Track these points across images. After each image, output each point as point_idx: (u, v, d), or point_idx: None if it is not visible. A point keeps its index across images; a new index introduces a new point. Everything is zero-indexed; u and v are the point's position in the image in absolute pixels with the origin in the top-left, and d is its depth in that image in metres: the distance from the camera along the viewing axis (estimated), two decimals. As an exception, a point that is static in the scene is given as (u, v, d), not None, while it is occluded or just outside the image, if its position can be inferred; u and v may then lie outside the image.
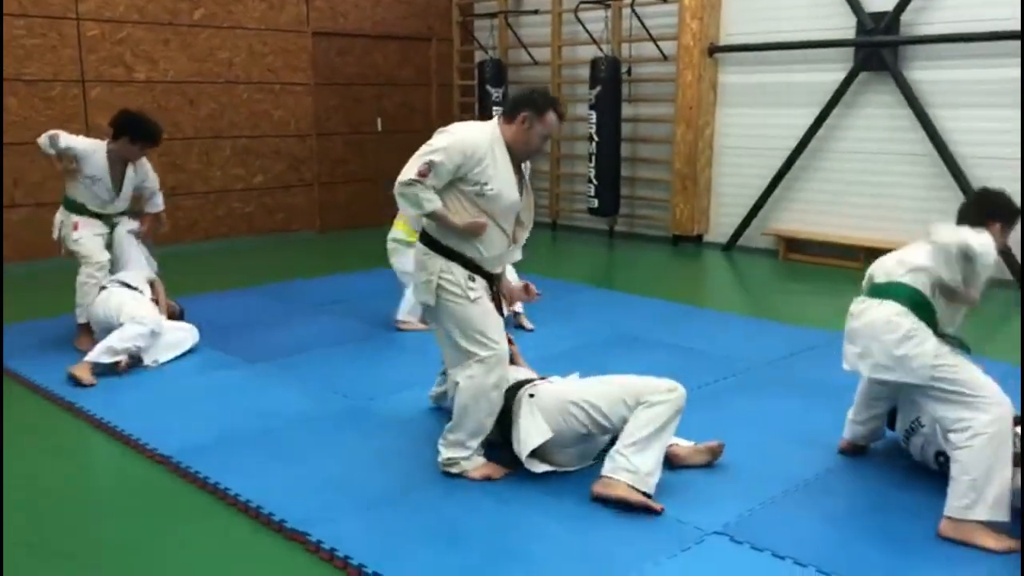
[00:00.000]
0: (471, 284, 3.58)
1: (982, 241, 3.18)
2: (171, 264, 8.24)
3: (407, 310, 5.88)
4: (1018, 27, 6.98)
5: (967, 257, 3.17)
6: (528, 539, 3.20)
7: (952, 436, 3.22)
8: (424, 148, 3.54)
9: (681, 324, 6.14)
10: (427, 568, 2.98)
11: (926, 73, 7.64)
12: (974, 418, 3.16)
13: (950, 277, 3.24)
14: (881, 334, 3.34)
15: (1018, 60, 7.04)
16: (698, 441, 3.81)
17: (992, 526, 3.11)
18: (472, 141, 3.53)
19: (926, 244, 3.37)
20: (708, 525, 3.25)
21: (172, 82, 8.90)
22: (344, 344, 5.60)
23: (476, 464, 3.65)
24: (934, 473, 3.55)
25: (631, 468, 3.36)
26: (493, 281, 3.73)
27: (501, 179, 3.56)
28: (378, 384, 4.81)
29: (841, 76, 8.08)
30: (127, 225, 5.70)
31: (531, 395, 3.66)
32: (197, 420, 4.29)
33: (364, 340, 5.71)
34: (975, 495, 3.10)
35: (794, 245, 8.60)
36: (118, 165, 5.49)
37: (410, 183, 3.49)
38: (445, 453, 3.67)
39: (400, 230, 5.89)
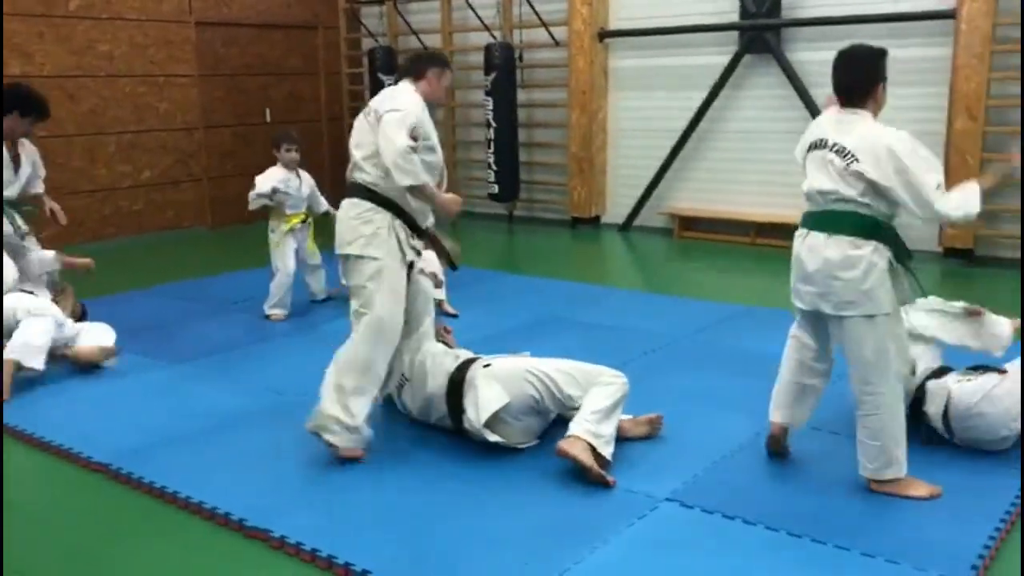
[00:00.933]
0: (411, 243, 3.78)
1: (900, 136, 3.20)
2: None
3: (272, 302, 6.02)
4: (895, 10, 7.44)
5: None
6: (487, 517, 3.27)
7: (863, 399, 3.31)
8: (392, 116, 3.63)
9: (592, 304, 6.31)
10: (393, 552, 3.02)
11: (807, 55, 8.04)
12: (883, 383, 3.25)
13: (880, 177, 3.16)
14: (841, 271, 3.23)
15: (898, 42, 7.48)
16: (636, 415, 3.96)
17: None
18: (418, 102, 3.77)
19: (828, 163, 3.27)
20: (658, 493, 3.40)
21: (50, 77, 8.48)
22: (266, 341, 5.53)
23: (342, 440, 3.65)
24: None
25: (595, 432, 3.52)
26: (422, 234, 3.90)
27: (434, 136, 3.85)
28: (309, 379, 4.74)
29: (727, 59, 8.42)
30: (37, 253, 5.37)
31: (486, 365, 3.80)
32: (128, 424, 4.18)
33: (284, 336, 5.65)
34: (885, 458, 3.29)
35: (688, 223, 8.92)
36: (7, 144, 5.16)
37: (409, 151, 3.61)
38: (321, 415, 3.65)
39: (274, 219, 6.14)
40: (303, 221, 6.18)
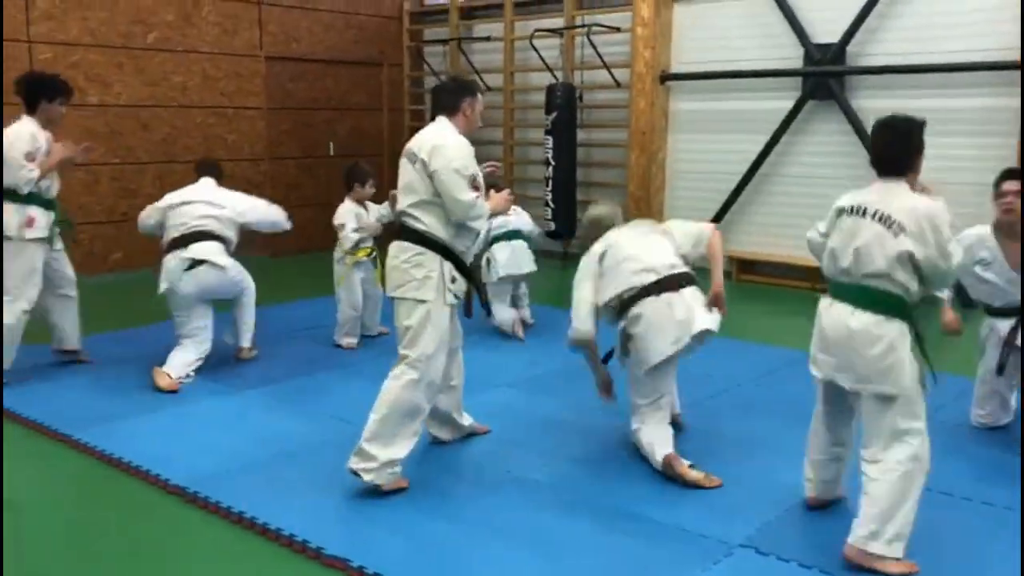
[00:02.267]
0: (450, 285, 3.81)
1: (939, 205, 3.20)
2: (131, 291, 8.15)
3: (342, 332, 6.16)
4: (956, 60, 7.42)
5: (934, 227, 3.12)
6: (561, 548, 3.29)
7: (867, 467, 3.23)
8: (452, 165, 3.69)
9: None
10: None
11: (872, 102, 8.02)
12: (897, 450, 3.19)
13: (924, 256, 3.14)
14: (862, 346, 3.21)
15: (960, 91, 7.47)
16: (703, 460, 3.95)
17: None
18: (464, 145, 3.82)
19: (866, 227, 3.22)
20: (732, 539, 3.39)
21: (126, 106, 8.77)
22: (331, 370, 5.62)
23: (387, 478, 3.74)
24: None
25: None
26: (469, 274, 3.95)
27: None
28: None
29: (790, 104, 8.44)
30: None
31: None
32: (203, 449, 4.27)
33: (350, 365, 5.74)
34: (876, 527, 3.15)
35: (747, 266, 8.90)
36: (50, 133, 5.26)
37: (475, 202, 3.72)
38: (367, 456, 3.72)
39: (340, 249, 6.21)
40: (369, 255, 6.28)
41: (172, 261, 5.34)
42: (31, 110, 5.20)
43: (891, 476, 3.17)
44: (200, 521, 3.61)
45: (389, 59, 11.05)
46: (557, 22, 9.76)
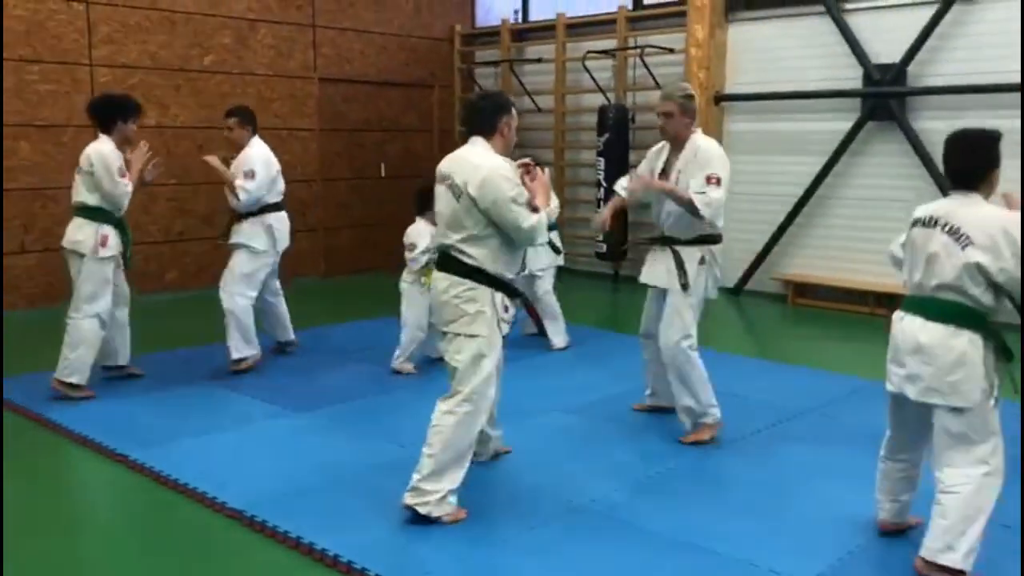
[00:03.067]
0: (504, 315, 3.75)
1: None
2: (182, 310, 8.22)
3: (404, 357, 6.00)
4: (1015, 81, 7.22)
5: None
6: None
7: (939, 481, 3.19)
8: (507, 195, 3.59)
9: (711, 369, 6.12)
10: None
11: (933, 123, 7.84)
12: (962, 468, 3.13)
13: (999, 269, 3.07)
14: (931, 357, 3.16)
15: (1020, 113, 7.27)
16: (767, 489, 3.83)
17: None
18: (508, 167, 3.72)
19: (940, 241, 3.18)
20: (804, 574, 3.27)
21: (182, 127, 8.88)
22: (386, 393, 5.58)
23: (445, 509, 3.68)
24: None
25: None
26: (516, 295, 3.89)
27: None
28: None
29: (848, 125, 8.28)
30: None
31: None
32: (260, 472, 4.24)
33: (403, 388, 5.69)
34: (950, 539, 3.11)
35: (803, 290, 8.73)
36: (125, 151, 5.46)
37: (536, 222, 3.65)
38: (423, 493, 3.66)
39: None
40: None
41: None
42: (107, 130, 5.32)
43: (964, 490, 3.13)
44: (258, 545, 3.57)
45: (440, 81, 11.08)
46: (610, 43, 9.73)
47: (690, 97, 4.56)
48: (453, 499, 3.71)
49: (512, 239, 3.69)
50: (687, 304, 4.58)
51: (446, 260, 3.77)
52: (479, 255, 3.67)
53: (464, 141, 3.85)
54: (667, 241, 4.66)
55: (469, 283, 3.68)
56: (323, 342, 6.94)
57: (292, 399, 5.38)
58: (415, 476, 3.67)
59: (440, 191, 3.77)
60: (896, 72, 7.94)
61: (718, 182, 4.43)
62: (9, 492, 3.92)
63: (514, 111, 3.84)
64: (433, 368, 6.16)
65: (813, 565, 3.33)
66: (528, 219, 3.62)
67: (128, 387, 5.61)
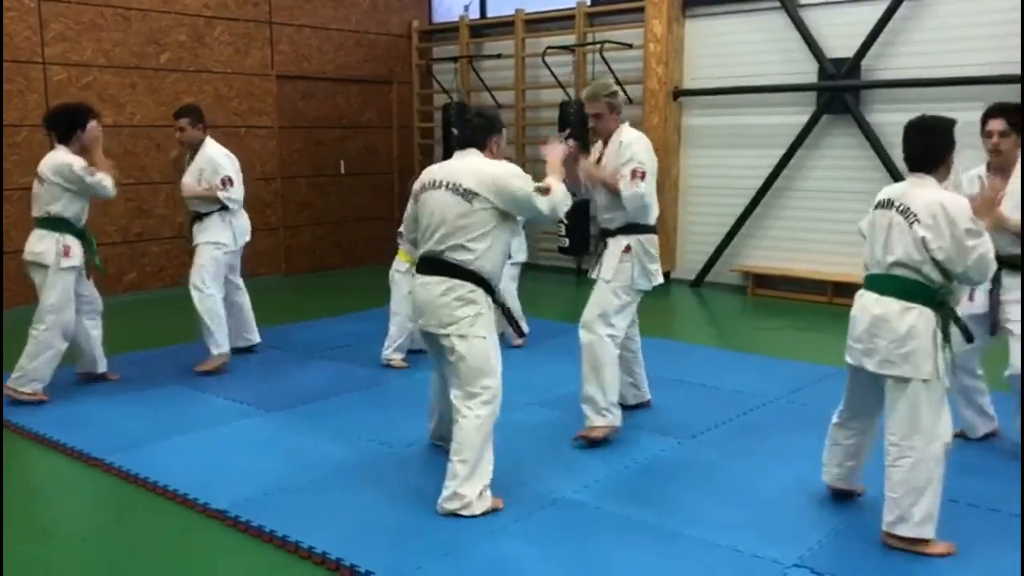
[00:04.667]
0: (496, 315, 3.88)
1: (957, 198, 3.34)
2: (143, 311, 8.11)
3: (393, 347, 6.00)
4: (970, 73, 7.43)
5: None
6: (607, 571, 3.26)
7: (889, 449, 3.37)
8: (527, 188, 3.74)
9: (673, 360, 6.25)
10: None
11: (886, 116, 8.03)
12: (911, 440, 3.31)
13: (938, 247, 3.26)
14: (884, 331, 3.36)
15: (972, 104, 7.46)
16: (745, 475, 3.92)
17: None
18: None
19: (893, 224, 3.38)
20: (785, 559, 3.35)
21: (139, 126, 8.75)
22: (361, 390, 5.57)
23: (486, 504, 3.76)
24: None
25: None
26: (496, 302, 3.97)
27: None
28: (412, 429, 4.79)
29: (804, 119, 8.44)
30: None
31: None
32: (239, 471, 4.23)
33: (377, 384, 5.69)
34: (900, 512, 3.33)
35: (762, 281, 8.89)
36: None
37: (558, 195, 3.80)
38: (463, 497, 3.71)
39: (404, 260, 5.98)
40: None
41: None
42: (66, 141, 5.27)
43: (908, 463, 3.32)
44: (241, 544, 3.56)
45: (399, 77, 11.06)
46: (569, 39, 9.79)
47: (614, 94, 4.65)
48: (489, 491, 3.76)
49: (510, 241, 3.90)
50: (608, 290, 4.55)
51: (438, 264, 3.80)
52: (478, 257, 3.75)
53: (451, 152, 4.03)
54: (603, 233, 4.74)
55: (470, 285, 3.75)
56: (285, 340, 6.90)
57: (264, 398, 5.36)
58: (451, 483, 3.71)
59: (435, 196, 3.80)
60: (850, 66, 8.11)
61: (643, 176, 4.50)
62: (-16, 499, 3.85)
63: (504, 132, 4.00)
64: (420, 360, 6.13)
65: (794, 550, 3.41)
66: (545, 202, 3.75)
67: (99, 390, 5.53)
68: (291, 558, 3.43)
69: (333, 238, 10.46)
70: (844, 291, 8.15)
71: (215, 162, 5.96)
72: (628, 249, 4.59)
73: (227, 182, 5.96)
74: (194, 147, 6.06)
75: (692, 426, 4.81)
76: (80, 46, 8.28)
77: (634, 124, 9.32)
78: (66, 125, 5.27)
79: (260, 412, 5.14)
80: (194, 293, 5.91)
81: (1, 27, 7.63)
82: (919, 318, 3.31)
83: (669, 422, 4.90)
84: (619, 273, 4.56)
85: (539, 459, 4.38)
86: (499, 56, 10.40)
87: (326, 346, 6.68)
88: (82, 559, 3.49)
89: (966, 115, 7.56)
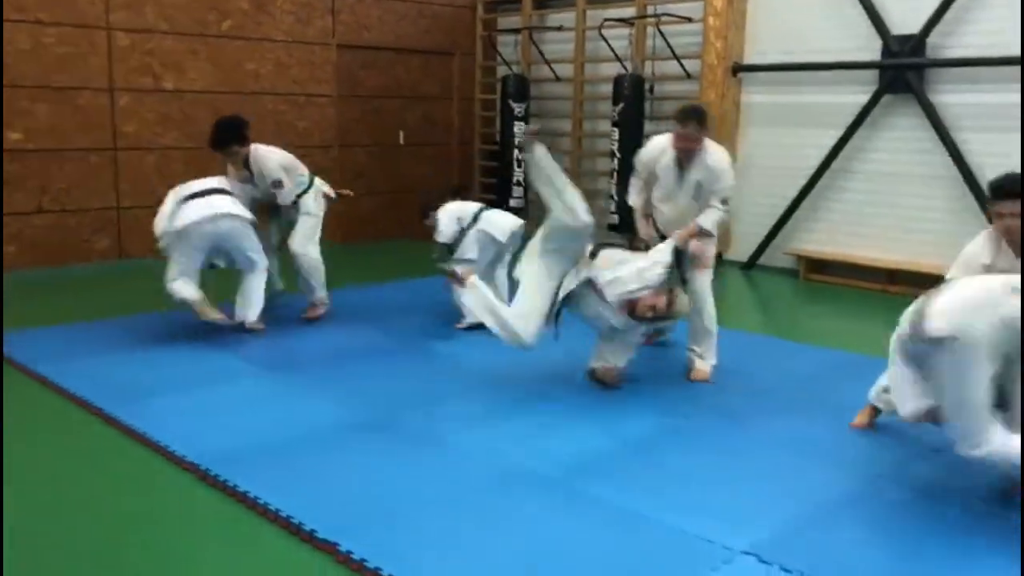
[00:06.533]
0: None
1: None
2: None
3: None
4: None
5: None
6: (557, 544, 3.21)
7: None
8: None
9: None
10: (457, 581, 2.99)
11: (951, 96, 7.64)
12: None
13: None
14: None
15: (1044, 85, 7.05)
16: (728, 460, 3.81)
17: None
18: None
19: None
20: (736, 544, 3.24)
21: (199, 92, 8.98)
22: (382, 354, 5.65)
23: None
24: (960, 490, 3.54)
25: None
26: None
27: None
28: (420, 395, 4.83)
29: (866, 98, 8.09)
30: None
31: None
32: (226, 427, 4.33)
33: (397, 352, 5.73)
34: None
35: (816, 266, 8.59)
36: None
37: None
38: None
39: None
40: None
41: None
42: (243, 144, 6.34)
43: None
44: (205, 498, 3.64)
45: (461, 48, 11.04)
46: (628, 11, 9.60)
47: (706, 115, 4.96)
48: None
49: None
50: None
51: None
52: None
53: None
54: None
55: None
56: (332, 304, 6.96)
57: (282, 361, 5.46)
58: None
59: None
60: (915, 44, 7.73)
61: (725, 201, 5.00)
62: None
63: None
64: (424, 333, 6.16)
65: (749, 536, 3.29)
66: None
67: (117, 344, 5.74)
68: (248, 513, 3.49)
69: (391, 208, 10.55)
70: (901, 279, 7.82)
71: (266, 167, 6.46)
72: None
73: (277, 184, 6.41)
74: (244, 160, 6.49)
75: (678, 406, 4.74)
76: (143, 12, 8.52)
77: (690, 99, 9.20)
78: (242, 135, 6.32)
79: (269, 373, 5.24)
80: (297, 251, 6.43)
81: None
82: None
83: (658, 399, 4.85)
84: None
85: (503, 434, 4.36)
86: (560, 28, 10.28)
87: (361, 310, 6.76)
88: (47, 496, 3.61)
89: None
